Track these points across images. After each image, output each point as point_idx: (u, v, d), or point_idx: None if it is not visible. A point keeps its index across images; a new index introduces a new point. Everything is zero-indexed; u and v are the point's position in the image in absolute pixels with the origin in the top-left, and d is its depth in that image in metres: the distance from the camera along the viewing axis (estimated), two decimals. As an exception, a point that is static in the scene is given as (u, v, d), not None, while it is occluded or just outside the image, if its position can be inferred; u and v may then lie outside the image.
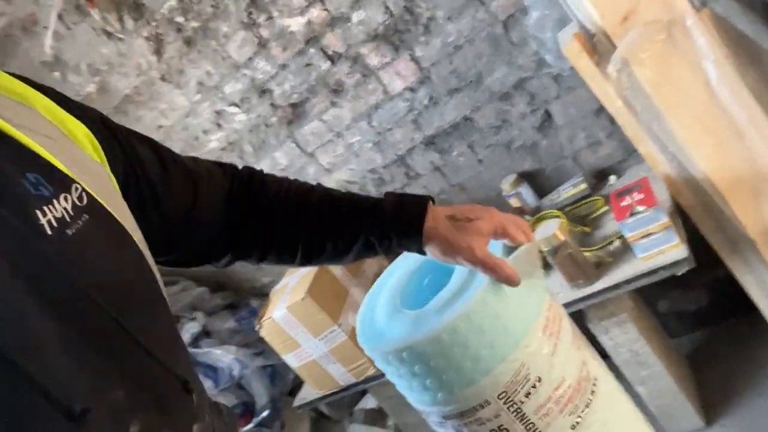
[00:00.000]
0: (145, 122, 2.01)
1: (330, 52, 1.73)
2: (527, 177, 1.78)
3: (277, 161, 1.97)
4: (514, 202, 1.76)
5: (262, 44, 1.76)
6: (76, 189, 0.53)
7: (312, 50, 1.73)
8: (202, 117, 1.95)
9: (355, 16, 1.66)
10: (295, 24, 1.70)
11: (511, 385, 0.75)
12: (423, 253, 0.76)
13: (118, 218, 0.56)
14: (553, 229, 1.35)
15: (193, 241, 0.76)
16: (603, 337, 1.53)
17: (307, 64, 1.76)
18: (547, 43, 1.46)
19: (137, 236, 0.58)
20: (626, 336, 1.51)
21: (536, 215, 1.67)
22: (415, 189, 1.91)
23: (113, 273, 0.53)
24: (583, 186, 1.68)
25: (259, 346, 2.00)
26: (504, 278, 0.71)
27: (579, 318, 1.53)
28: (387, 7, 1.62)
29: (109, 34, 1.85)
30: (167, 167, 0.71)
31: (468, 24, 1.60)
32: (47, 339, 0.46)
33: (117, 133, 0.66)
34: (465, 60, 1.65)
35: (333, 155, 1.91)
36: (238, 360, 1.92)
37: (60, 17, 1.86)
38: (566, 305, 1.41)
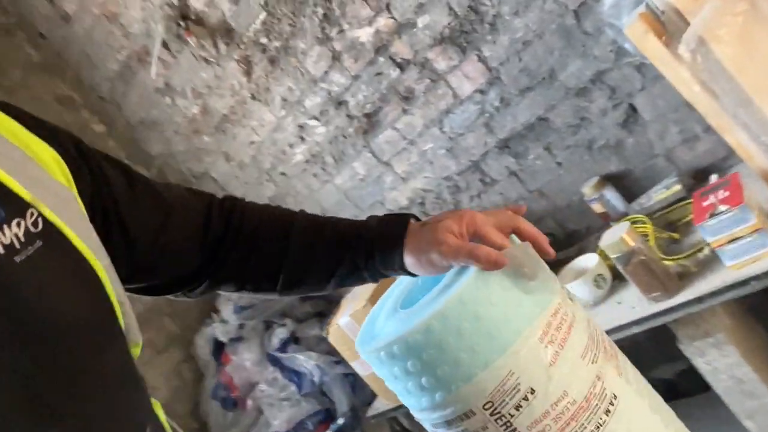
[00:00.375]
0: (240, 139, 2.15)
1: (399, 60, 1.72)
2: (613, 180, 1.62)
3: (356, 171, 1.99)
4: (597, 207, 1.60)
5: (336, 57, 1.81)
6: (32, 214, 0.52)
7: (381, 59, 1.74)
8: (287, 131, 2.04)
9: (421, 21, 1.64)
10: (364, 34, 1.73)
11: (497, 394, 0.66)
12: (408, 272, 0.71)
13: (77, 245, 0.54)
14: (619, 233, 1.20)
15: (163, 270, 0.73)
16: (698, 361, 1.32)
17: (378, 73, 1.77)
18: (624, 29, 1.32)
19: (102, 263, 0.56)
20: (726, 360, 1.29)
21: (619, 221, 1.50)
22: (492, 196, 1.82)
23: (60, 304, 0.52)
24: (677, 188, 1.48)
25: (339, 354, 2.02)
26: (485, 262, 0.63)
27: (668, 338, 1.33)
28: (451, 8, 1.59)
29: (206, 60, 2.02)
30: (135, 191, 0.69)
31: (536, 17, 1.51)
32: None
33: (88, 156, 0.66)
34: (535, 56, 1.55)
35: (408, 163, 1.89)
36: (318, 366, 1.95)
37: (167, 47, 2.08)
38: (642, 321, 1.25)
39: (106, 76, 2.30)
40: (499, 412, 0.65)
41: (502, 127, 1.69)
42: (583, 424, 0.65)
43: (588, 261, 1.45)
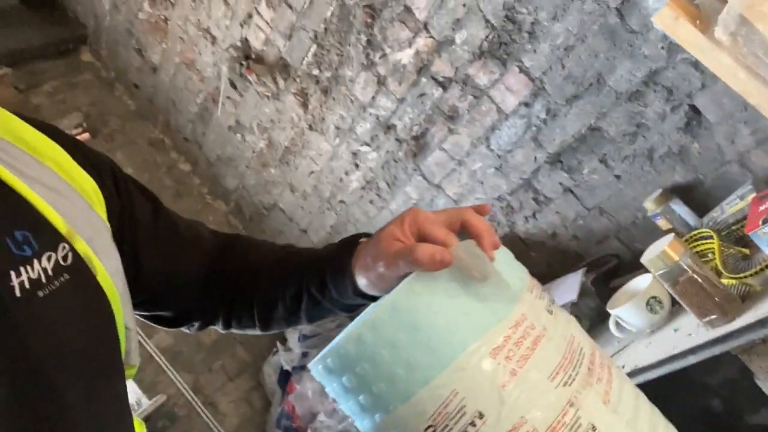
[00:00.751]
0: (302, 169, 2.21)
1: (440, 79, 1.68)
2: (680, 192, 1.43)
3: (409, 196, 1.95)
4: (663, 224, 1.42)
5: (381, 81, 1.80)
6: (63, 248, 0.53)
7: (424, 79, 1.71)
8: (342, 159, 2.06)
9: (458, 37, 1.59)
10: (406, 56, 1.71)
11: (439, 418, 0.58)
12: (371, 296, 0.65)
13: (101, 279, 0.56)
14: (662, 246, 1.05)
15: (162, 303, 0.73)
16: (783, 400, 1.10)
17: (421, 94, 1.74)
18: (652, 18, 1.19)
19: (119, 290, 0.58)
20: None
21: (684, 237, 1.32)
22: (548, 216, 1.68)
23: (71, 340, 0.53)
24: (753, 196, 1.27)
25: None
26: (427, 261, 0.55)
27: (741, 371, 1.12)
28: (487, 21, 1.53)
29: (267, 95, 2.12)
30: (158, 224, 0.70)
31: (576, 20, 1.40)
32: None
33: (120, 184, 0.67)
34: (579, 61, 1.44)
35: (458, 185, 1.82)
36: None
37: (234, 86, 2.20)
38: (697, 349, 1.07)
39: (188, 118, 2.49)
40: None
41: (551, 140, 1.57)
42: (547, 458, 0.55)
43: (642, 282, 1.28)
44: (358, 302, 0.67)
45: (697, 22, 1.00)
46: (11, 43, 2.45)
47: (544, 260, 1.74)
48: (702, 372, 1.53)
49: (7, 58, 2.45)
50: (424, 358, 0.57)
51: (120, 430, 0.59)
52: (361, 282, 0.62)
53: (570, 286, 1.49)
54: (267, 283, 0.72)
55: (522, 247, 1.77)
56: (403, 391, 0.56)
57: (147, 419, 2.15)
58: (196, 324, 0.77)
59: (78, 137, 2.55)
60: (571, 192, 1.62)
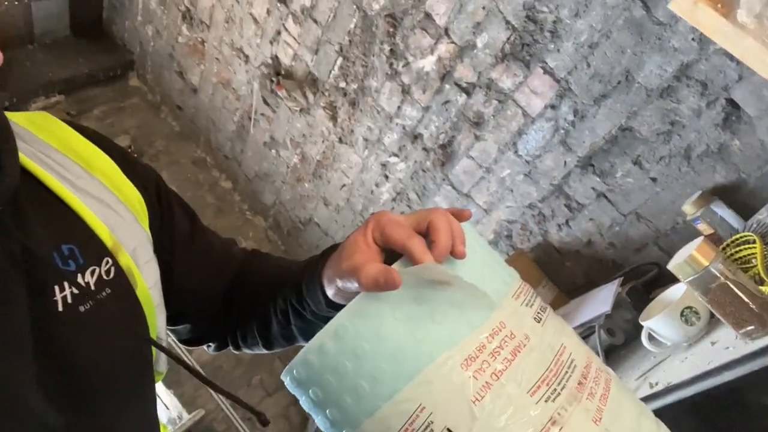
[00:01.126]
0: (333, 183, 2.20)
1: (464, 84, 1.64)
2: (722, 193, 1.32)
3: (439, 206, 1.90)
4: (704, 228, 1.31)
5: (406, 91, 1.78)
6: (107, 262, 0.53)
7: (447, 86, 1.67)
8: (372, 171, 2.04)
9: (480, 41, 1.55)
10: (428, 63, 1.68)
11: None
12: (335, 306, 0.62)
13: (140, 292, 0.56)
14: (689, 250, 0.96)
15: (188, 319, 0.73)
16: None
17: (446, 102, 1.70)
18: (669, 5, 1.11)
19: (155, 302, 0.58)
20: None
21: (725, 242, 1.21)
22: (582, 223, 1.59)
23: (107, 354, 0.53)
24: (803, 195, 1.15)
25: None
26: (369, 285, 0.50)
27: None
28: (508, 22, 1.48)
29: (299, 110, 2.13)
30: (194, 240, 0.69)
31: (599, 15, 1.33)
32: (30, 417, 0.46)
33: (162, 196, 0.66)
34: (605, 58, 1.36)
35: (488, 193, 1.75)
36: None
37: (267, 103, 2.24)
38: (734, 364, 0.97)
39: (227, 136, 2.54)
40: None
41: (581, 143, 1.50)
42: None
43: (677, 291, 1.18)
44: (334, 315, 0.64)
45: (719, 5, 0.92)
46: (64, 72, 2.60)
47: (580, 270, 1.65)
48: (757, 390, 1.40)
49: (60, 86, 2.59)
50: (388, 369, 0.53)
51: None
52: (330, 293, 0.59)
53: (604, 297, 1.40)
54: (263, 299, 0.70)
55: (556, 257, 1.68)
56: (368, 406, 0.53)
57: (187, 433, 2.18)
58: (213, 345, 0.76)
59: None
60: (605, 197, 1.52)
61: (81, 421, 0.50)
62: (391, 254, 0.55)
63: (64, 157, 0.56)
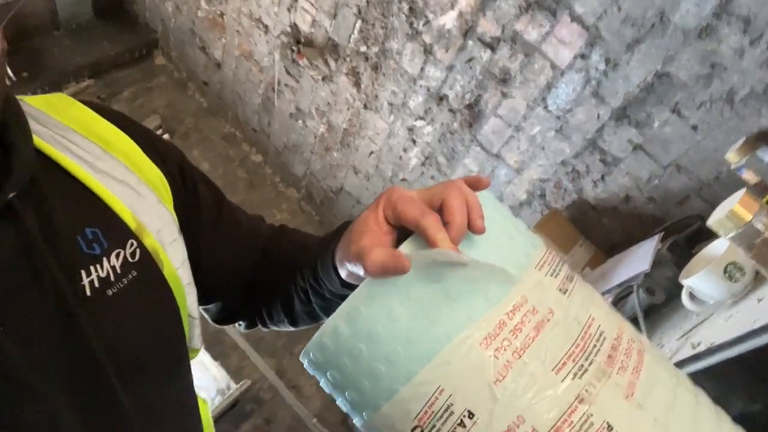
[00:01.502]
0: (362, 151, 2.17)
1: (487, 39, 1.56)
2: (770, 138, 1.22)
3: (469, 168, 1.85)
4: (749, 177, 1.22)
5: (428, 50, 1.71)
6: (131, 245, 0.52)
7: (470, 42, 1.60)
8: (399, 136, 1.99)
9: (501, -9, 1.46)
10: (449, 20, 1.61)
11: (425, 417, 0.51)
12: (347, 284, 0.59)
13: (168, 273, 0.55)
14: (730, 205, 0.90)
15: (218, 297, 0.72)
16: None
17: (470, 59, 1.63)
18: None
19: (184, 282, 0.57)
20: None
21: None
22: (618, 178, 1.52)
23: (138, 337, 0.52)
24: None
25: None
26: (375, 271, 0.48)
27: None
28: (530, -31, 1.39)
29: (321, 78, 2.09)
30: (221, 218, 0.68)
31: (628, -47, 1.23)
32: (56, 408, 0.47)
33: (187, 175, 0.64)
34: (637, 0, 1.27)
35: (518, 152, 1.69)
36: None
37: (289, 73, 2.20)
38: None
39: (254, 109, 2.53)
40: None
41: (614, 93, 1.41)
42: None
43: (720, 246, 1.11)
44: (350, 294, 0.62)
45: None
46: (91, 56, 2.62)
47: (618, 227, 1.58)
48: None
49: (89, 71, 2.62)
50: (404, 352, 0.50)
51: (185, 426, 0.60)
52: (343, 274, 0.57)
53: (643, 254, 1.34)
54: (285, 277, 0.69)
55: (592, 214, 1.61)
56: (386, 389, 0.51)
57: (235, 403, 2.25)
58: (243, 323, 0.76)
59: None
60: (642, 149, 1.44)
61: (110, 404, 0.50)
62: (404, 232, 0.52)
63: (83, 139, 0.55)
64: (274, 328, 0.75)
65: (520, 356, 0.48)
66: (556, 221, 1.61)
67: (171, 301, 0.55)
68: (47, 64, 2.52)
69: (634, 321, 1.18)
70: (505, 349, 0.48)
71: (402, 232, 0.52)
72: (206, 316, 0.75)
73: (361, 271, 0.50)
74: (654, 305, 1.27)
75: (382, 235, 0.51)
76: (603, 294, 1.30)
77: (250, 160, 2.73)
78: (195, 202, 0.64)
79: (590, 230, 1.61)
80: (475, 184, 0.52)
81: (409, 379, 0.48)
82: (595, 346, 0.51)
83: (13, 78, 2.48)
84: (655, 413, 0.50)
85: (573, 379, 0.48)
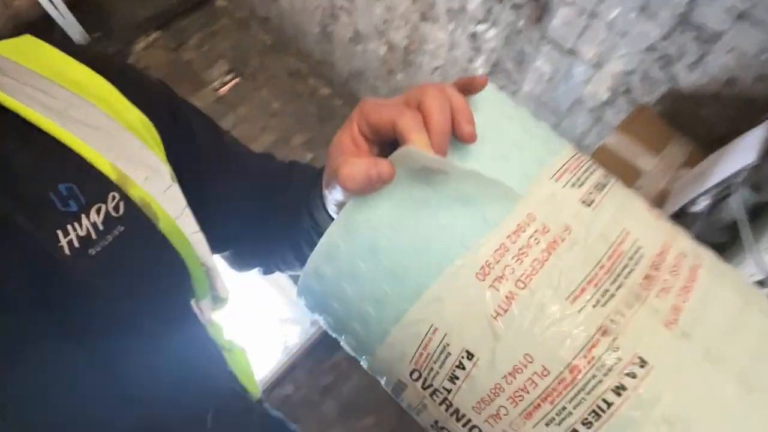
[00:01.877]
0: (425, 68, 2.01)
1: None
2: None
3: (542, 71, 1.64)
4: None
5: (481, -61, 1.51)
6: (113, 198, 0.48)
7: None
8: (462, 47, 1.82)
9: None
10: None
11: (420, 360, 0.44)
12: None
13: (162, 223, 0.51)
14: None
15: (229, 240, 0.68)
16: None
17: (529, -60, 1.41)
18: None
19: (186, 231, 0.53)
20: None
21: None
22: (719, 57, 1.26)
23: (130, 298, 0.48)
24: None
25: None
26: (351, 188, 0.39)
27: None
28: None
29: (374, -7, 1.94)
30: (223, 151, 0.63)
31: None
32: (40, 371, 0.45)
33: (177, 112, 0.59)
34: None
35: (596, 44, 1.46)
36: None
37: (342, -6, 2.07)
38: None
39: (315, 39, 2.43)
40: (431, 385, 0.44)
41: (707, -49, 1.15)
42: (565, 409, 0.39)
43: None
44: None
45: None
46: (155, 7, 2.63)
47: (721, 117, 1.33)
48: None
49: (155, 22, 2.64)
50: (390, 289, 0.43)
51: (188, 387, 0.55)
52: (331, 208, 0.51)
53: (749, 145, 1.11)
54: (292, 218, 0.63)
55: (688, 106, 1.38)
56: (377, 331, 0.44)
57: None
58: (261, 269, 0.73)
59: (229, 84, 2.66)
60: (747, 18, 1.18)
61: (96, 374, 0.47)
62: (391, 148, 0.42)
63: (54, 86, 0.49)
64: (289, 272, 0.70)
65: (526, 285, 0.39)
66: (643, 118, 1.39)
67: (171, 253, 0.51)
68: (114, 21, 2.57)
69: (734, 226, 0.99)
70: (507, 279, 0.39)
71: (383, 150, 0.44)
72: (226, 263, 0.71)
73: (340, 195, 0.44)
74: (761, 204, 1.06)
75: (360, 153, 0.44)
76: (699, 197, 1.10)
77: (319, 94, 2.66)
78: (190, 138, 0.59)
79: (686, 125, 1.38)
80: (468, 85, 0.44)
81: (398, 319, 0.41)
82: (626, 266, 0.40)
83: (89, 38, 2.56)
84: (706, 342, 0.38)
85: (594, 307, 0.38)
